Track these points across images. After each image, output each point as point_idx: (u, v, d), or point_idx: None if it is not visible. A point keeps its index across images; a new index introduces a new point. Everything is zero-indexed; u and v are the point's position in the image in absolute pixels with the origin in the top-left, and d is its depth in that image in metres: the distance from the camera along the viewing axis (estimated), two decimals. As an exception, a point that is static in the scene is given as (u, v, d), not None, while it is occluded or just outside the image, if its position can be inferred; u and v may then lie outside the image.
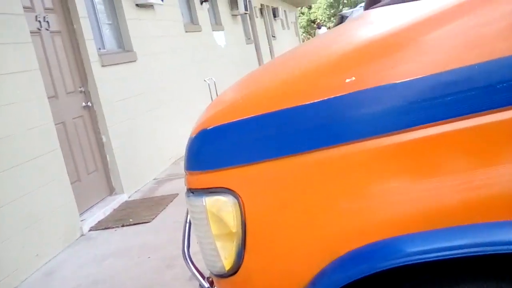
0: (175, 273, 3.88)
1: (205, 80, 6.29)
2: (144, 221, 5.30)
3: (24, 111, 4.72)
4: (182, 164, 7.47)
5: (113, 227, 5.30)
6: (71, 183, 5.30)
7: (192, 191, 1.56)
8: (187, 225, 2.07)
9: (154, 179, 7.17)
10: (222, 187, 1.47)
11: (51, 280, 4.25)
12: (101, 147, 6.22)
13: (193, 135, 1.57)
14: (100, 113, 6.17)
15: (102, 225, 5.42)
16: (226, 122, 1.48)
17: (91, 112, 6.13)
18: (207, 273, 1.74)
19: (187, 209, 1.98)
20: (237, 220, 1.45)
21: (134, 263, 4.26)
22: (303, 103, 1.38)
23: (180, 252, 4.04)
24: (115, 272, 4.14)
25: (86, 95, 6.09)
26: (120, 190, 6.32)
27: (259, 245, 1.46)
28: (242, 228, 1.45)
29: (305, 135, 1.38)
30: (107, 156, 6.25)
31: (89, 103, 6.07)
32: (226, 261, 1.50)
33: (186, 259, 1.98)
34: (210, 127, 1.51)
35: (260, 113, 1.43)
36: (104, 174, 6.24)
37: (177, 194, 6.08)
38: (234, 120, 1.46)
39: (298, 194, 1.41)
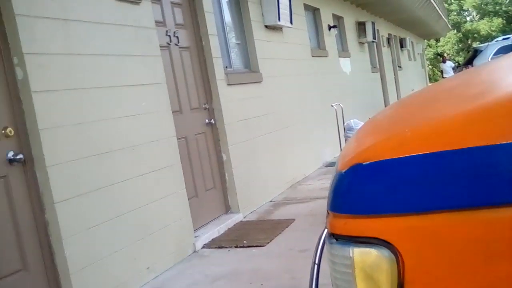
0: (288, 303, 3.62)
1: (332, 106, 6.05)
2: (258, 244, 5.10)
3: (149, 123, 4.72)
4: (299, 188, 7.33)
5: (227, 247, 5.15)
6: (189, 199, 5.24)
7: (336, 238, 1.29)
8: (316, 266, 1.76)
9: (270, 201, 7.00)
10: (377, 238, 1.19)
11: (160, 296, 4.15)
12: (220, 165, 6.15)
13: (344, 170, 1.28)
14: (222, 131, 6.11)
15: (215, 244, 5.29)
16: (391, 157, 1.19)
17: (214, 129, 6.09)
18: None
19: (317, 246, 1.72)
20: (392, 281, 1.17)
21: (245, 288, 4.06)
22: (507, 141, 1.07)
23: (293, 285, 3.77)
24: (225, 295, 3.96)
25: (210, 112, 6.06)
26: (236, 209, 6.20)
27: None
28: None
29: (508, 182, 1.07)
30: (226, 174, 6.17)
31: (212, 121, 6.04)
32: None
33: None
34: (368, 162, 1.23)
35: (445, 149, 1.13)
36: (221, 192, 6.15)
37: (294, 219, 5.84)
38: (403, 156, 1.17)
39: (482, 261, 1.11)
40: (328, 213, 1.36)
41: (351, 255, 1.21)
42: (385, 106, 16.43)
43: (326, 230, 1.88)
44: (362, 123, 5.55)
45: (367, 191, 1.22)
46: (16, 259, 3.51)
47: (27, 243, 3.59)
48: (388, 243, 1.16)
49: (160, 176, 4.79)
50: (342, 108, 6.15)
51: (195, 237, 5.28)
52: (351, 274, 1.21)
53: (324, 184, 7.63)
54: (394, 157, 1.18)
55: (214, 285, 4.22)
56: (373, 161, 1.21)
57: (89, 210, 3.95)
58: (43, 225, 3.69)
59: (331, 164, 9.31)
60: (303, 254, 4.65)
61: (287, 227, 5.61)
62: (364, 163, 1.23)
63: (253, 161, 6.70)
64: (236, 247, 5.13)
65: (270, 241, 5.18)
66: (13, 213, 3.52)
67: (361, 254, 1.20)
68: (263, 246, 5.06)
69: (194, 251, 5.15)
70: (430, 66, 44.21)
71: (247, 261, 4.69)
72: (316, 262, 1.71)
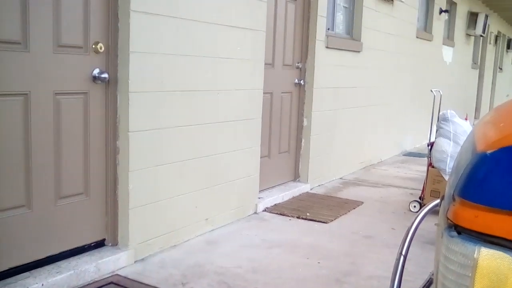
0: (344, 292, 3.36)
1: (431, 91, 5.61)
2: (321, 220, 4.84)
3: (239, 70, 4.48)
4: (372, 171, 6.97)
5: (289, 216, 4.92)
6: (261, 157, 5.01)
7: (459, 231, 1.03)
8: (403, 257, 1.51)
9: (340, 178, 6.70)
10: None
11: (212, 249, 3.97)
12: (299, 130, 5.88)
13: (489, 151, 1.03)
14: (309, 95, 5.81)
15: (277, 210, 5.07)
16: None
17: (301, 91, 5.79)
18: None
19: (407, 234, 1.51)
20: None
21: (302, 263, 3.81)
22: None
23: (352, 270, 3.53)
24: (279, 266, 3.73)
25: (302, 72, 5.75)
26: (305, 179, 5.93)
27: None
28: None
29: None
30: (303, 140, 5.89)
31: (301, 81, 5.74)
32: None
33: None
34: None
35: None
36: (294, 158, 5.89)
37: (362, 202, 5.53)
38: None
39: None
40: (453, 199, 1.10)
41: (475, 255, 1.00)
42: (477, 105, 15.58)
43: (419, 218, 1.61)
44: (457, 116, 5.14)
45: None
46: (79, 181, 3.40)
47: (93, 167, 3.47)
48: None
49: (238, 128, 4.57)
50: (441, 95, 5.69)
51: (259, 198, 5.06)
52: (469, 277, 1.00)
53: (400, 173, 7.25)
54: None
55: (269, 251, 4.00)
56: None
57: (161, 147, 3.78)
58: (113, 152, 3.56)
59: (410, 154, 8.87)
60: (367, 241, 4.36)
61: (354, 208, 5.31)
62: None
63: (332, 133, 6.38)
64: (298, 217, 4.89)
65: (334, 219, 4.90)
66: (86, 133, 3.39)
67: (489, 257, 0.98)
68: (326, 222, 4.79)
69: (255, 213, 4.94)
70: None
71: (307, 235, 4.44)
72: (403, 253, 1.50)
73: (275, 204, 5.20)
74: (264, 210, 5.03)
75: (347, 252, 4.07)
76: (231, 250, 3.98)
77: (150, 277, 3.40)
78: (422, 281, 2.09)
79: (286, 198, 5.43)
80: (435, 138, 5.24)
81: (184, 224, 4.08)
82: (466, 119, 5.46)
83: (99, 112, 3.46)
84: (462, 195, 1.06)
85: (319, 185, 6.17)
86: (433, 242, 4.16)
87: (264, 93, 4.96)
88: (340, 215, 5.03)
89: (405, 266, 1.49)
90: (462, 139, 4.93)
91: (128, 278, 3.35)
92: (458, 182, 1.09)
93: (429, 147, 5.30)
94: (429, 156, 5.27)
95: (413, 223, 1.55)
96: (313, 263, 3.82)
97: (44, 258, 3.23)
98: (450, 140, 5.06)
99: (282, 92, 5.47)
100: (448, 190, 1.20)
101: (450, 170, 5.21)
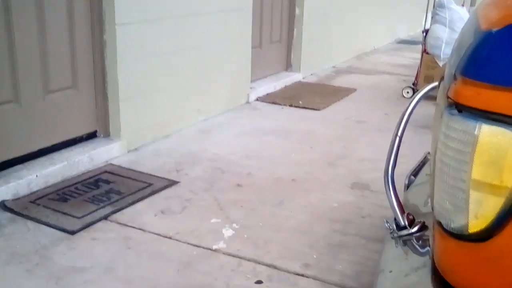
0: (336, 173, 3.40)
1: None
2: (314, 107, 4.82)
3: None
4: (365, 59, 6.89)
5: (281, 104, 4.90)
6: (252, 48, 4.91)
7: (460, 109, 1.04)
8: (398, 138, 1.51)
9: (333, 66, 6.63)
10: None
11: (205, 138, 3.98)
12: (291, 19, 5.73)
13: (495, 28, 1.02)
14: (301, -17, 5.62)
15: (269, 99, 5.04)
16: None
17: (291, -24, 5.59)
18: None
19: (402, 116, 1.52)
20: None
21: (294, 148, 3.83)
22: None
23: (345, 153, 3.55)
24: (272, 152, 3.75)
25: (291, -44, 5.52)
26: (297, 69, 5.86)
27: None
28: None
29: None
30: (295, 29, 5.76)
31: (292, -35, 5.52)
32: (475, 221, 1.05)
33: (388, 181, 1.45)
34: None
35: None
36: (285, 48, 5.79)
37: (355, 90, 5.51)
38: None
39: None
40: (454, 78, 1.09)
41: (476, 132, 1.01)
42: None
43: (416, 100, 1.59)
44: (454, 2, 5.00)
45: None
46: (67, 75, 3.33)
47: (80, 61, 3.38)
48: None
49: (229, 18, 4.43)
50: (437, -21, 5.49)
51: (250, 88, 5.01)
52: (469, 154, 1.02)
53: (393, 60, 7.17)
54: None
55: (262, 139, 4.01)
56: None
57: (149, 38, 3.67)
58: (100, 45, 3.45)
59: (404, 42, 8.74)
60: (360, 125, 4.37)
61: (346, 96, 5.29)
62: None
63: (324, 22, 6.22)
64: (291, 106, 4.87)
65: (327, 106, 4.89)
66: (71, 27, 3.28)
67: (490, 133, 0.99)
68: (318, 110, 4.78)
69: (247, 102, 4.92)
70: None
71: (300, 122, 4.44)
72: (399, 134, 1.51)
73: (267, 94, 5.17)
74: (256, 100, 5.00)
75: (340, 137, 4.09)
76: (224, 138, 3.99)
77: (144, 165, 3.42)
78: (416, 162, 2.10)
79: (278, 88, 5.39)
80: (430, 25, 5.12)
81: (176, 114, 4.05)
82: (462, 5, 5.31)
83: (85, 6, 3.33)
84: (465, 74, 1.07)
85: (311, 74, 6.10)
86: (426, 126, 4.17)
87: (253, -21, 4.78)
88: (333, 102, 5.01)
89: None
90: (458, 25, 4.83)
91: (122, 167, 3.37)
92: (461, 61, 1.09)
93: (424, 34, 5.19)
94: (424, 42, 5.18)
95: (409, 105, 1.55)
96: (306, 148, 3.84)
97: (36, 150, 3.22)
98: (445, 26, 4.95)
99: (271, -22, 5.28)
100: (448, 70, 1.21)
101: (445, 56, 5.13)
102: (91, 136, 3.58)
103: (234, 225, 2.71)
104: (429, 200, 1.40)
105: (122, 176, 3.21)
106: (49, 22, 3.14)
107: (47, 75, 3.20)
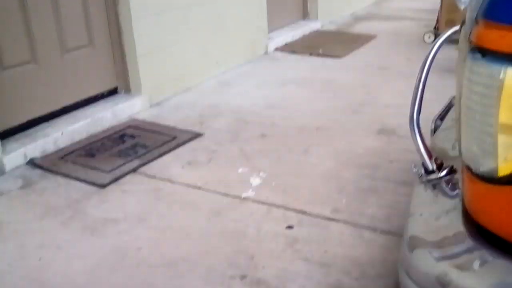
0: (361, 120, 3.37)
1: None
2: (335, 55, 4.75)
3: None
4: (385, 5, 6.73)
5: (300, 53, 4.83)
6: (268, -4, 4.83)
7: (483, 53, 1.01)
8: (422, 83, 1.47)
9: (351, 13, 6.50)
10: None
11: (225, 90, 3.96)
12: (307, -36, 5.60)
13: None
14: None
15: (288, 48, 4.97)
16: None
17: None
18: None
19: (425, 61, 1.46)
20: None
21: (316, 96, 3.80)
22: None
23: (368, 100, 3.50)
24: (294, 101, 3.72)
25: None
26: (314, 17, 5.76)
27: None
28: None
29: None
30: (311, -25, 5.64)
31: None
32: (505, 164, 1.03)
33: (414, 127, 1.43)
34: None
35: None
36: (302, -5, 5.68)
37: (375, 36, 5.41)
38: None
39: None
40: (476, 21, 1.07)
41: (501, 75, 0.98)
42: None
43: (438, 44, 1.55)
44: None
45: None
46: (82, 34, 3.31)
47: (95, 20, 3.36)
48: None
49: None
50: None
51: (268, 39, 4.94)
52: (495, 98, 0.99)
53: (413, 5, 7.01)
54: None
55: (283, 88, 3.98)
56: None
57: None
58: (113, 3, 3.42)
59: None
60: (382, 72, 4.31)
61: (367, 42, 5.20)
62: None
63: (341, -34, 6.08)
64: (311, 54, 4.81)
65: (348, 54, 4.82)
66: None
67: None
68: (339, 57, 4.71)
69: (266, 53, 4.86)
70: None
71: (321, 70, 4.39)
72: (422, 79, 1.47)
73: (285, 44, 5.10)
74: (275, 50, 4.94)
75: (362, 84, 4.04)
76: (245, 90, 3.96)
77: (167, 119, 3.42)
78: (441, 106, 2.06)
79: (296, 37, 5.31)
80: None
81: (195, 68, 4.02)
82: None
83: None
84: (487, 16, 1.03)
85: (329, 22, 6.00)
86: (450, 70, 4.08)
87: None
88: (353, 50, 4.94)
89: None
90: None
91: (146, 121, 3.38)
92: (482, 3, 1.05)
93: (443, -24, 5.04)
94: (443, -16, 5.04)
95: (431, 49, 1.50)
96: (328, 96, 3.80)
97: (60, 109, 3.24)
98: (465, -33, 4.80)
99: None
100: (469, 14, 1.17)
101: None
102: (112, 92, 3.58)
103: (261, 173, 2.71)
104: (457, 144, 1.38)
105: (147, 130, 3.22)
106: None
107: (61, 35, 3.19)
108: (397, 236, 2.13)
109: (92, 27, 3.35)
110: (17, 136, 2.97)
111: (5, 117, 2.90)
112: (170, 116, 3.46)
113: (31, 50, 3.02)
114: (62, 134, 3.04)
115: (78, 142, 3.07)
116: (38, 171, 2.74)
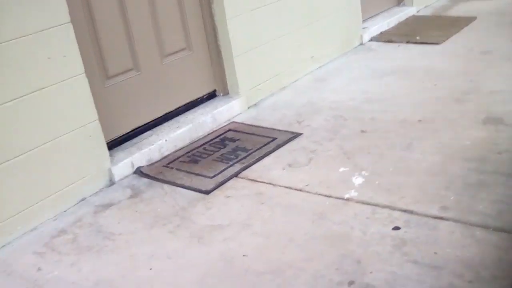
0: (465, 110, 3.22)
1: None
2: (433, 42, 4.58)
3: None
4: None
5: (397, 42, 4.70)
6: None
7: None
8: None
9: (448, -4, 6.22)
10: None
11: (322, 86, 3.92)
12: None
13: None
14: None
15: (384, 37, 4.85)
16: None
17: None
18: None
19: None
20: None
21: (417, 88, 3.67)
22: None
23: (472, 87, 3.34)
24: (393, 93, 3.62)
25: None
26: (409, 2, 5.57)
27: None
28: None
29: None
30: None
31: None
32: None
33: None
34: None
35: None
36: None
37: (475, 17, 5.15)
38: None
39: None
40: None
41: None
42: None
43: None
44: None
45: None
46: (179, 37, 3.39)
47: (191, 21, 3.42)
48: None
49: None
50: None
51: (363, 28, 4.84)
52: None
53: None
54: None
55: (381, 80, 3.88)
56: None
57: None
58: (207, 2, 3.46)
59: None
60: (485, 57, 4.09)
61: (467, 25, 4.96)
62: None
63: None
64: (408, 42, 4.66)
65: (447, 39, 4.62)
66: (178, -13, 3.32)
67: None
68: (438, 43, 4.53)
69: (361, 44, 4.77)
70: None
71: (419, 59, 4.24)
72: None
73: (380, 32, 4.97)
74: (371, 40, 4.83)
75: (464, 71, 3.86)
76: (341, 84, 3.91)
77: (265, 120, 3.44)
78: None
79: (391, 25, 5.17)
80: None
81: (289, 65, 4.02)
82: None
83: (187, -38, 3.34)
84: None
85: (425, 6, 5.78)
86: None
87: None
88: (453, 34, 4.73)
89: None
90: None
91: (245, 123, 3.42)
92: None
93: None
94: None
95: None
96: (429, 86, 3.67)
97: (162, 116, 3.34)
98: None
99: None
100: None
101: None
102: (211, 96, 3.65)
103: (364, 172, 2.67)
104: None
105: (246, 133, 3.26)
106: (160, -11, 3.20)
107: (160, 40, 3.28)
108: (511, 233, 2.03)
109: (189, 29, 3.42)
110: (124, 145, 3.10)
111: (112, 127, 3.04)
112: (268, 117, 3.49)
113: (133, 57, 3.13)
114: (166, 141, 3.14)
115: (182, 149, 3.16)
116: (145, 180, 2.85)
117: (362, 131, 3.12)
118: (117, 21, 3.02)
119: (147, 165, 2.98)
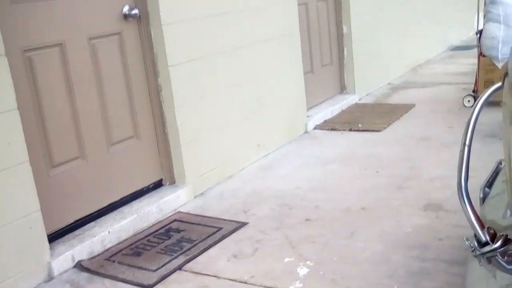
0: (406, 197, 3.31)
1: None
2: (374, 129, 4.74)
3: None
4: (420, 72, 6.72)
5: (340, 130, 4.84)
6: (304, 73, 4.90)
7: None
8: (467, 147, 1.44)
9: (388, 84, 6.52)
10: None
11: (268, 175, 3.97)
12: (340, 39, 5.69)
13: None
14: (346, 1, 5.58)
15: (328, 125, 4.99)
16: None
17: (337, -3, 5.58)
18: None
19: (468, 124, 1.46)
20: None
21: (360, 175, 3.76)
22: None
23: (412, 174, 3.43)
24: (337, 181, 3.70)
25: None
26: (352, 90, 5.80)
27: None
28: None
29: None
30: (345, 49, 5.71)
31: (333, -11, 5.51)
32: None
33: (462, 195, 1.37)
34: None
35: None
36: (338, 69, 5.75)
37: (414, 105, 5.39)
38: None
39: None
40: None
41: None
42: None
43: (480, 105, 1.52)
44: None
45: None
46: (127, 125, 3.39)
47: (139, 108, 3.45)
48: None
49: (278, 45, 4.45)
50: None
51: (307, 116, 4.98)
52: None
53: (449, 69, 7.00)
54: None
55: (325, 168, 3.96)
56: None
57: (203, 77, 3.71)
58: (156, 90, 3.51)
59: (458, 48, 8.52)
60: (424, 143, 4.26)
61: (406, 112, 5.18)
62: None
63: (373, 38, 6.14)
64: (350, 130, 4.81)
65: (388, 126, 4.80)
66: (126, 74, 3.35)
67: None
68: (379, 131, 4.69)
69: (306, 132, 4.89)
70: None
71: (362, 146, 4.37)
72: (467, 143, 1.41)
73: (324, 120, 5.13)
74: (315, 128, 4.96)
75: (405, 157, 3.99)
76: (287, 173, 3.97)
77: (211, 210, 3.43)
78: (487, 173, 2.01)
79: (335, 113, 5.34)
80: (483, 24, 4.93)
81: (237, 152, 4.07)
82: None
83: (136, 51, 3.40)
84: None
85: (367, 94, 6.02)
86: (493, 135, 4.03)
87: (298, 4, 4.78)
88: (393, 121, 4.92)
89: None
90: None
91: (191, 213, 3.40)
92: None
93: (478, 35, 5.00)
94: (479, 45, 5.00)
95: (473, 111, 1.49)
96: (371, 173, 3.77)
97: (106, 206, 3.29)
98: (500, 23, 4.73)
99: (316, 1, 5.27)
100: None
101: (503, 57, 4.88)
102: (158, 185, 3.63)
103: (308, 262, 2.67)
104: (509, 210, 1.32)
105: (192, 223, 3.24)
106: (105, 73, 3.23)
107: (108, 127, 3.27)
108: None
109: (137, 117, 3.43)
110: (65, 237, 3.02)
111: (54, 218, 2.96)
112: (214, 206, 3.48)
113: (79, 146, 3.10)
114: (109, 232, 3.08)
115: (125, 241, 3.10)
116: (85, 275, 2.76)
117: (307, 220, 3.15)
118: (65, 108, 3.02)
119: (88, 259, 2.90)
